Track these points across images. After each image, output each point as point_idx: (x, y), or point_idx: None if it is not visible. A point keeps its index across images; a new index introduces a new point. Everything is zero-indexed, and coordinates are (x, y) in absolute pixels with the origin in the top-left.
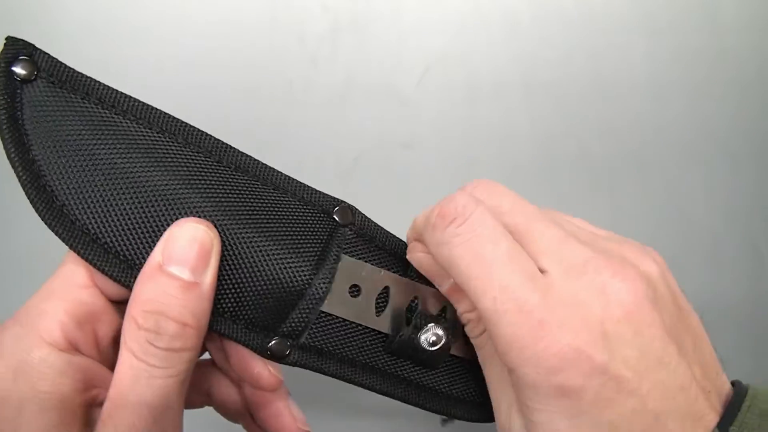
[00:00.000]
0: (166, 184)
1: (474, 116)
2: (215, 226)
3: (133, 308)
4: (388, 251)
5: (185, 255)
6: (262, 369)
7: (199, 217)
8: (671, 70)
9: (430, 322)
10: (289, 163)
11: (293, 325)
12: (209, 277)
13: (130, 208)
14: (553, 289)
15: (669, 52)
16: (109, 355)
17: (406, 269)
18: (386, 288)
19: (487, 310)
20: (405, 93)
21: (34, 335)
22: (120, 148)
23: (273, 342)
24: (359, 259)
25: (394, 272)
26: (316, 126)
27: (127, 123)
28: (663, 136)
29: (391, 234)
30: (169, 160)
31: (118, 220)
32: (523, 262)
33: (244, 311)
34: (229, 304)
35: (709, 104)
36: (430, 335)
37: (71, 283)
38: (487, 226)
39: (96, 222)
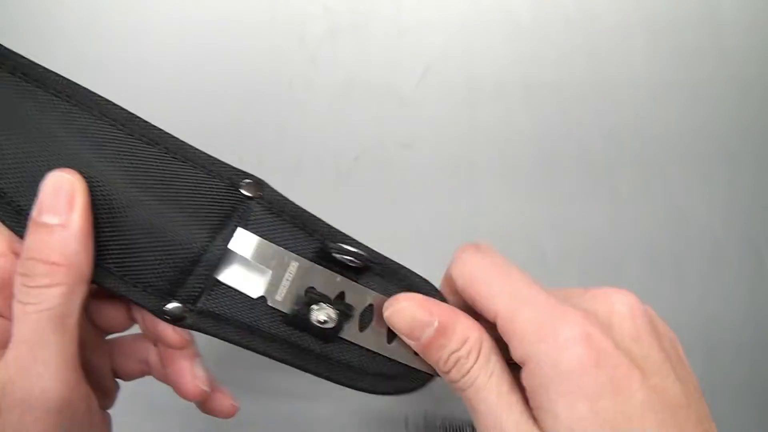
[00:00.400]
0: (74, 150)
1: (474, 116)
2: (110, 185)
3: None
4: (300, 226)
5: (49, 202)
6: (166, 327)
7: (100, 178)
8: (671, 70)
9: (322, 301)
10: (289, 162)
11: (190, 290)
12: (76, 217)
13: (34, 167)
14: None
15: (669, 52)
16: None
17: (319, 250)
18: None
19: (504, 308)
20: (405, 93)
21: None
22: (36, 115)
23: (170, 305)
24: (264, 235)
25: (303, 253)
26: (316, 126)
27: (46, 95)
28: (663, 136)
29: (305, 211)
30: (81, 129)
31: (21, 176)
32: None
33: (141, 273)
34: (120, 261)
35: (709, 104)
36: (321, 314)
37: None
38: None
39: (3, 178)
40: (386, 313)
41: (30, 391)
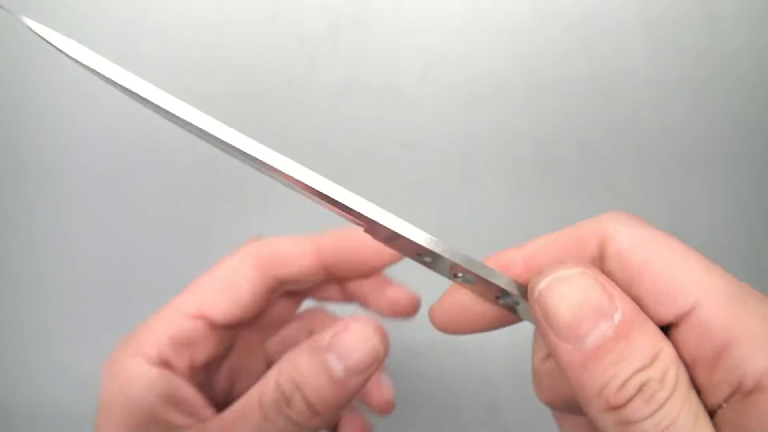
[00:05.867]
0: None
1: (474, 116)
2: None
3: (286, 363)
4: None
5: (352, 353)
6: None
7: None
8: (672, 70)
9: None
10: None
11: None
12: (357, 383)
13: None
14: None
15: (670, 52)
16: (200, 376)
17: None
18: None
19: (713, 301)
20: (405, 93)
21: (135, 348)
22: None
23: None
24: None
25: None
26: (315, 126)
27: None
28: (663, 136)
29: None
30: None
31: None
32: None
33: None
34: None
35: (709, 104)
36: None
37: (179, 310)
38: None
39: None
40: (540, 285)
41: None
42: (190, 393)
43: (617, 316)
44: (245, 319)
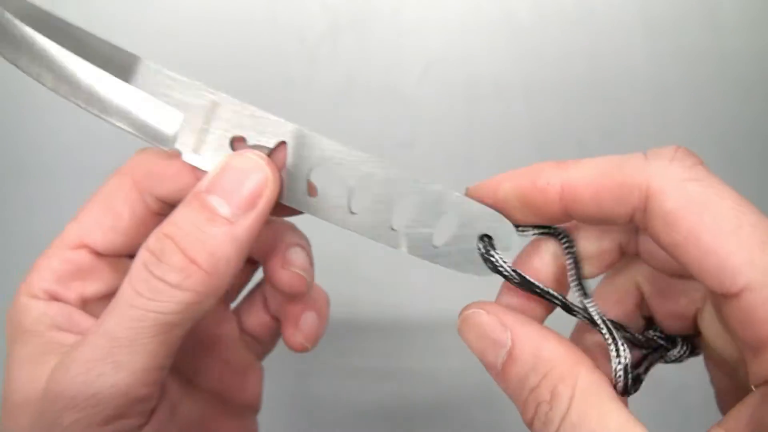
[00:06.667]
0: None
1: (474, 116)
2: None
3: (159, 225)
4: None
5: (229, 184)
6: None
7: None
8: (672, 70)
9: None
10: None
11: None
12: (250, 220)
13: None
14: None
15: (669, 52)
16: (98, 309)
17: None
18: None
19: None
20: (405, 93)
21: (24, 288)
22: None
23: None
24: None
25: None
26: (316, 126)
27: None
28: (663, 136)
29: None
30: None
31: None
32: None
33: None
34: None
35: (710, 105)
36: None
37: (62, 243)
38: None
39: None
40: (458, 323)
41: (83, 391)
42: (84, 318)
43: (509, 343)
44: (131, 243)
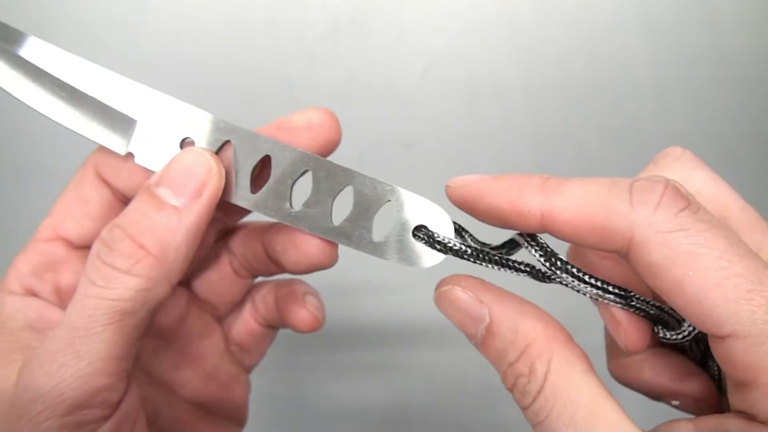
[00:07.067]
0: None
1: (474, 116)
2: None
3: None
4: None
5: (177, 176)
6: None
7: None
8: (672, 71)
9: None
10: None
11: None
12: (197, 207)
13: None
14: None
15: (670, 53)
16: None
17: None
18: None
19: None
20: (405, 93)
21: (2, 285)
22: None
23: None
24: None
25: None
26: None
27: None
28: (663, 137)
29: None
30: None
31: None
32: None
33: None
34: None
35: (710, 105)
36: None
37: (37, 237)
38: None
39: None
40: (434, 296)
41: (47, 382)
42: (57, 314)
43: (487, 319)
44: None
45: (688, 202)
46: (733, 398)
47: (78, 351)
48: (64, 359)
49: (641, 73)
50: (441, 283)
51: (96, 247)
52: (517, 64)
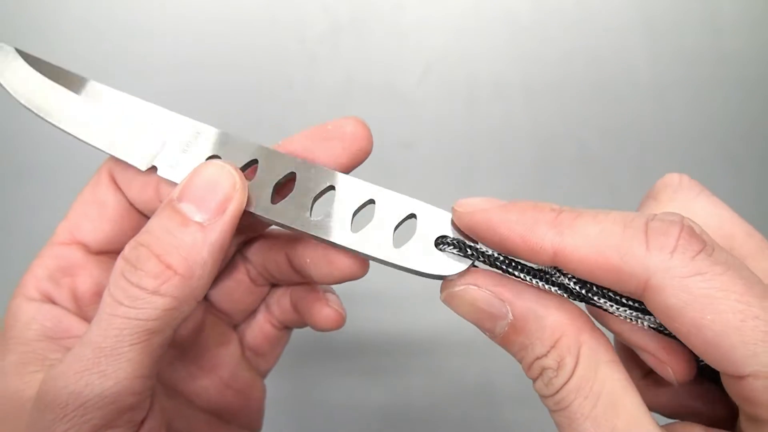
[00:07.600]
0: None
1: (474, 116)
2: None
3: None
4: None
5: (200, 192)
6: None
7: None
8: (672, 71)
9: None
10: None
11: None
12: (222, 224)
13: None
14: None
15: (670, 53)
16: (90, 308)
17: None
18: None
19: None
20: (405, 93)
21: (18, 290)
22: None
23: None
24: None
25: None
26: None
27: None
28: (663, 137)
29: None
30: None
31: None
32: None
33: None
34: None
35: (710, 106)
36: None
37: (54, 242)
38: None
39: None
40: (442, 296)
41: (71, 402)
42: (74, 323)
43: (510, 317)
44: (120, 231)
45: (703, 243)
46: (748, 430)
47: (104, 371)
48: (90, 378)
49: (641, 73)
50: (449, 283)
51: (120, 265)
52: (517, 64)
